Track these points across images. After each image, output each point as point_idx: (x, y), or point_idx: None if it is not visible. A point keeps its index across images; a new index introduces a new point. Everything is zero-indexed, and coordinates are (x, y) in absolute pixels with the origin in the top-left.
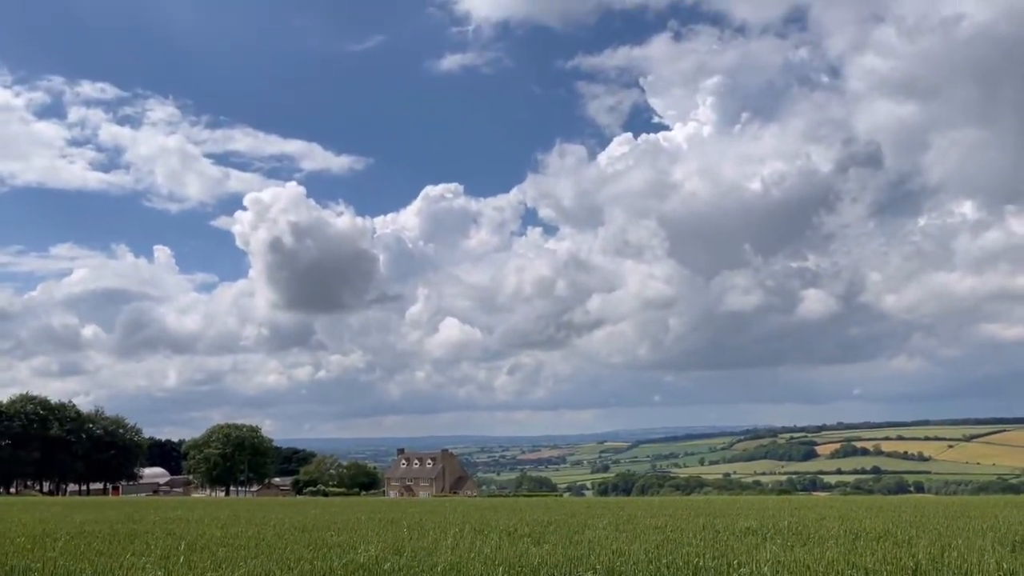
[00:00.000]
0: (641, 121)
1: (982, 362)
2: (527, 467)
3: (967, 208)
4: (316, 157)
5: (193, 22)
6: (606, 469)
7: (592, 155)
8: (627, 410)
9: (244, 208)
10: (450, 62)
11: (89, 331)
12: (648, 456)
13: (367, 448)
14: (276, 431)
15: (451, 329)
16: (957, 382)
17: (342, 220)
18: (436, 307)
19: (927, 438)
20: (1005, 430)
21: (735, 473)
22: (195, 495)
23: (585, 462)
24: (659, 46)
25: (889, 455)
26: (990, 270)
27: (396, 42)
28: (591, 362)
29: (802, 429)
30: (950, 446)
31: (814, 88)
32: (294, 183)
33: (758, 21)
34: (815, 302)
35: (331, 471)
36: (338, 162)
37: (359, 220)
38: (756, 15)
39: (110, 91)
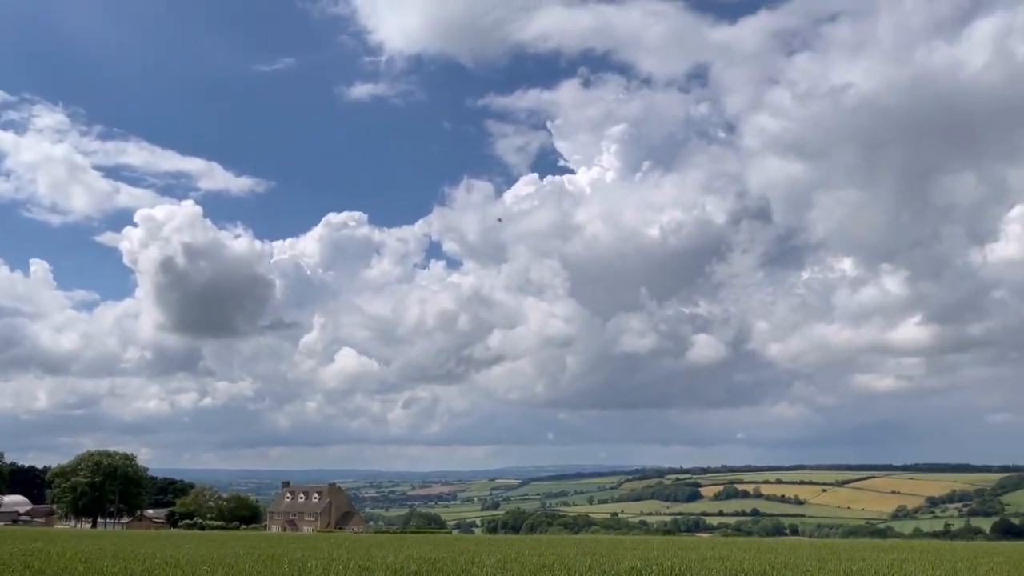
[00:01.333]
0: (547, 163)
1: (855, 411)
2: (417, 503)
3: (847, 264)
4: (215, 176)
5: (91, 29)
6: (496, 506)
7: (499, 192)
8: (520, 447)
9: (134, 224)
10: (361, 91)
11: None
12: (539, 494)
13: (251, 480)
14: (153, 460)
15: (347, 359)
16: (832, 429)
17: (239, 243)
18: (332, 336)
19: (803, 482)
20: (874, 476)
21: (622, 512)
22: (59, 526)
23: (476, 499)
24: (568, 91)
25: (768, 498)
26: (866, 324)
27: (306, 66)
28: (488, 398)
29: (688, 471)
30: (824, 490)
31: (711, 142)
32: (190, 202)
33: (663, 75)
34: (705, 347)
35: (210, 503)
36: (238, 183)
37: (257, 244)
38: (662, 69)
39: None
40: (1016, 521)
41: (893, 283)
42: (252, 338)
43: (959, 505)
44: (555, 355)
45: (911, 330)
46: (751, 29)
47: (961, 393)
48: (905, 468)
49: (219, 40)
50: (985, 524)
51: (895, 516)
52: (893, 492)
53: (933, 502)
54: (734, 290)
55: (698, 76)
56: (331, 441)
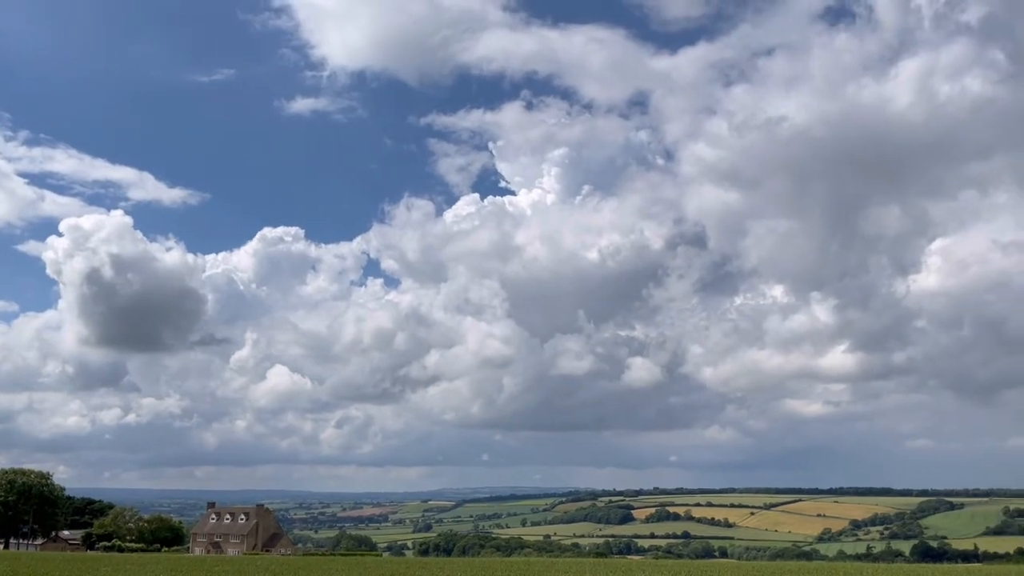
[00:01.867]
0: (489, 184)
1: (784, 435)
2: (347, 525)
3: (778, 292)
4: (147, 187)
5: (21, 33)
6: (429, 528)
7: (439, 211)
8: (455, 468)
9: (59, 234)
10: (301, 105)
11: None
12: (472, 516)
13: (175, 500)
14: (72, 479)
15: (279, 377)
16: (762, 453)
17: (170, 256)
18: (265, 353)
19: (732, 505)
20: (801, 499)
21: (555, 535)
22: None
23: (408, 521)
24: (511, 114)
25: (699, 520)
26: (795, 350)
27: (246, 78)
28: (423, 418)
29: (620, 493)
30: (752, 513)
31: (650, 168)
32: (120, 212)
33: (605, 101)
34: (640, 370)
35: (130, 524)
36: (171, 194)
37: (189, 257)
38: (603, 95)
39: None
40: (934, 544)
41: (822, 311)
42: (181, 354)
43: (881, 528)
44: (492, 376)
45: (838, 357)
46: (690, 59)
47: (884, 419)
48: (831, 491)
49: (156, 48)
50: (905, 547)
51: (820, 539)
52: (819, 515)
53: (856, 525)
54: (670, 314)
55: (639, 103)
56: (260, 461)
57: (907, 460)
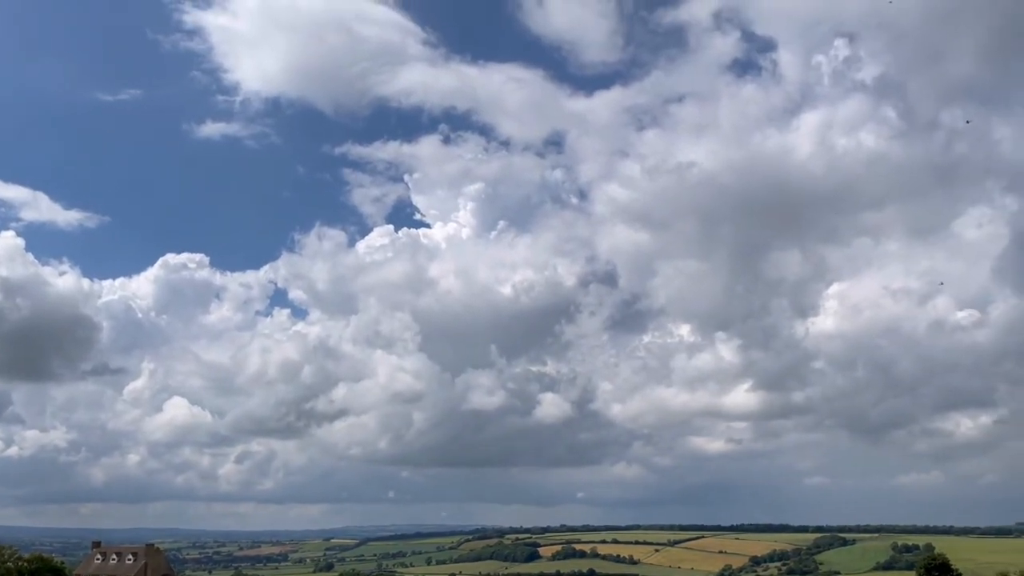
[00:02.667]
0: (403, 216)
1: (688, 472)
2: (244, 564)
3: (684, 331)
4: (41, 207)
5: None
6: (330, 567)
7: (352, 242)
8: (359, 506)
9: None
10: (211, 129)
11: None
12: (376, 554)
13: (57, 539)
14: None
15: (177, 410)
16: (667, 489)
17: (64, 280)
18: (162, 384)
19: (637, 542)
20: (703, 536)
21: (460, 573)
22: None
23: (309, 560)
24: (428, 147)
25: (604, 558)
26: (701, 388)
27: (154, 99)
28: (328, 454)
29: (528, 531)
30: (656, 550)
31: (564, 207)
32: (11, 233)
33: (522, 138)
34: (551, 406)
35: (8, 564)
36: (67, 216)
37: (85, 282)
38: (520, 132)
39: None
40: None
41: (727, 350)
42: (70, 384)
43: (779, 564)
44: (402, 411)
45: (741, 396)
46: (605, 103)
47: (783, 456)
48: (732, 528)
49: (58, 65)
50: None
51: (721, 575)
52: (720, 552)
53: (756, 561)
54: (581, 351)
55: (555, 143)
56: (152, 498)
57: (804, 497)
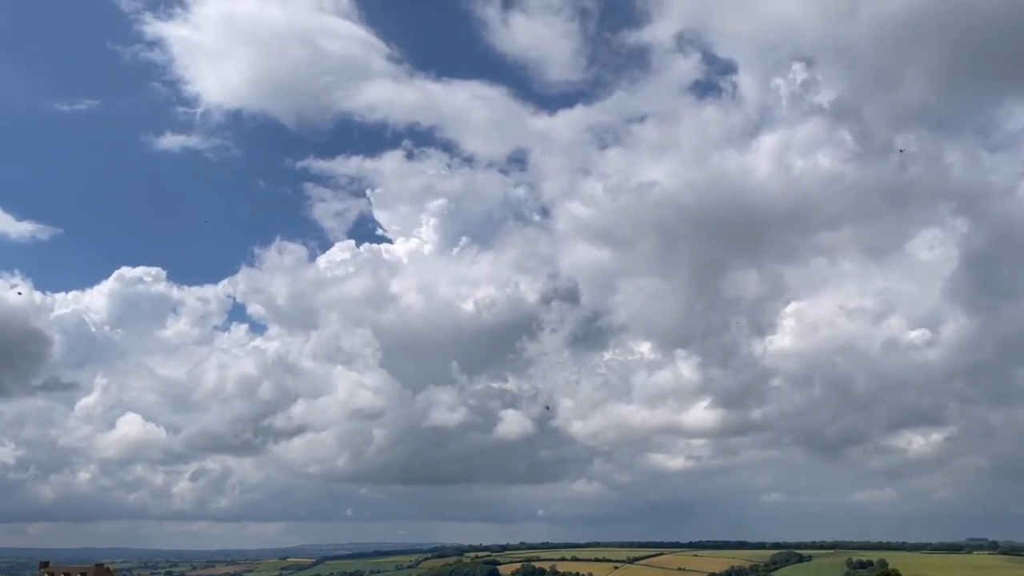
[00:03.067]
0: (365, 231)
1: (648, 489)
2: None
3: (645, 348)
4: None
5: None
6: None
7: (312, 257)
8: (316, 524)
9: None
10: (170, 141)
11: None
12: (333, 573)
13: (3, 559)
14: None
15: (131, 426)
16: (626, 507)
17: (14, 294)
18: (116, 400)
19: (596, 559)
20: (662, 553)
21: None
22: None
23: None
24: (391, 162)
25: (563, 575)
26: (661, 405)
27: (111, 110)
28: (285, 471)
29: (487, 548)
30: (616, 567)
31: (527, 224)
32: None
33: (485, 155)
34: (512, 423)
35: None
36: (19, 228)
37: (36, 295)
38: (484, 149)
39: None
40: None
41: (686, 368)
42: (19, 399)
43: None
44: (361, 427)
45: (700, 413)
46: (568, 121)
47: (741, 473)
48: (691, 545)
49: (12, 73)
50: None
51: None
52: (679, 569)
53: None
54: (542, 367)
55: (518, 160)
56: (103, 516)
57: (762, 513)
